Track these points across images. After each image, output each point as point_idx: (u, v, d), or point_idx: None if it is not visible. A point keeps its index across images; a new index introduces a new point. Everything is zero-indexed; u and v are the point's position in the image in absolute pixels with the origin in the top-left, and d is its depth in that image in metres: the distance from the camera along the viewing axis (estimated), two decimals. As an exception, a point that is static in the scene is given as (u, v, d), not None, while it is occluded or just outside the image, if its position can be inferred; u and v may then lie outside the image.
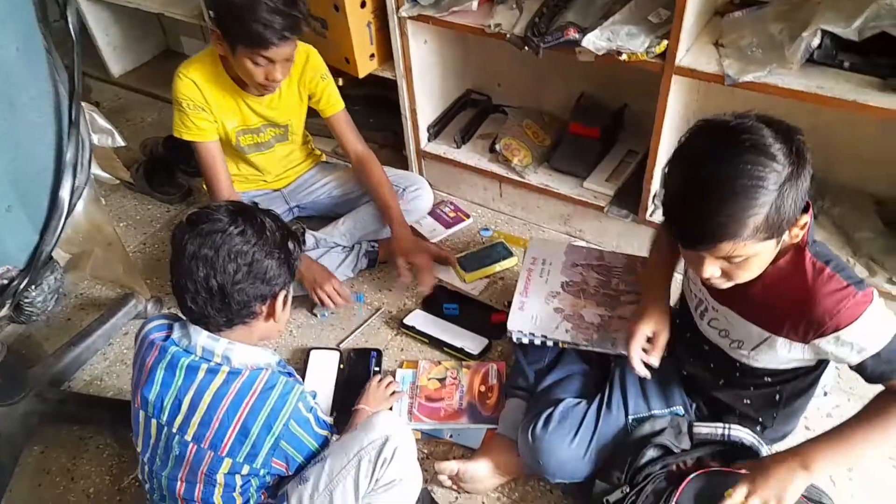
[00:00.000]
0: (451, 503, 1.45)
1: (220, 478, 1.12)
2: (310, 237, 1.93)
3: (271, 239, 1.10)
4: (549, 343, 1.49)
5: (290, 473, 1.18)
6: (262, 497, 1.20)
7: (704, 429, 1.30)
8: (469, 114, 2.23)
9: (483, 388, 1.61)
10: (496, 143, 2.05)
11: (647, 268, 1.43)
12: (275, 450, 1.13)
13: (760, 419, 1.31)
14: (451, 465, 1.43)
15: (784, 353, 1.15)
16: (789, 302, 1.09)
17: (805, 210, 1.03)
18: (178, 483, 1.14)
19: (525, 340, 1.51)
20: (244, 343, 1.13)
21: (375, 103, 2.33)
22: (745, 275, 1.05)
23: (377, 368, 1.70)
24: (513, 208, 2.12)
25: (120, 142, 1.32)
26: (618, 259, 1.63)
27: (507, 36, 1.71)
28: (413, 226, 2.07)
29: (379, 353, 1.73)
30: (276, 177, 1.99)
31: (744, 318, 1.17)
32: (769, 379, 1.23)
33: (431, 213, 2.12)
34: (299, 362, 1.74)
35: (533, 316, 1.52)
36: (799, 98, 1.43)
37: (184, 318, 1.13)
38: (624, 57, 1.56)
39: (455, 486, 1.46)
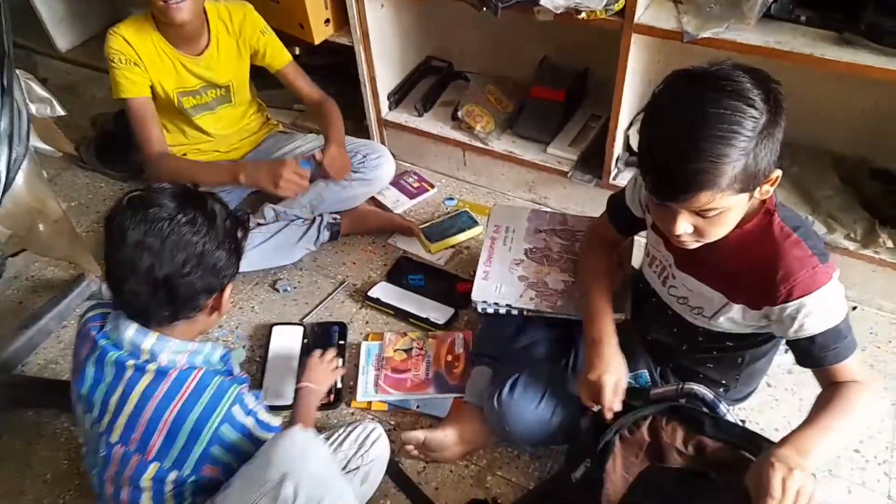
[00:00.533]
0: (419, 472, 1.44)
1: (146, 482, 1.04)
2: (269, 210, 1.89)
3: (221, 228, 1.04)
4: (514, 312, 1.48)
5: (223, 479, 1.07)
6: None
7: (659, 389, 1.29)
8: (430, 81, 2.19)
9: (450, 358, 1.60)
10: (458, 111, 2.01)
11: (587, 304, 1.29)
12: (206, 456, 1.04)
13: (723, 381, 1.31)
14: (418, 435, 1.42)
15: (740, 320, 1.14)
16: (752, 267, 1.08)
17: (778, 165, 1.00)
18: (107, 484, 1.07)
19: (490, 310, 1.49)
20: (180, 339, 1.05)
21: (333, 73, 2.27)
22: (718, 231, 1.02)
23: (342, 342, 1.67)
24: (477, 177, 2.10)
25: (60, 111, 1.25)
26: (581, 222, 1.62)
27: (465, -3, 1.67)
28: (376, 197, 2.04)
29: (343, 326, 1.70)
30: (229, 146, 1.93)
31: (704, 284, 1.16)
32: (731, 343, 1.23)
33: (395, 184, 2.09)
34: (262, 338, 1.71)
35: (497, 285, 1.50)
36: (757, 53, 1.42)
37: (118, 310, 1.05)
38: (583, 15, 1.54)
39: (422, 456, 1.44)
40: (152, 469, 1.03)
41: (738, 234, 1.06)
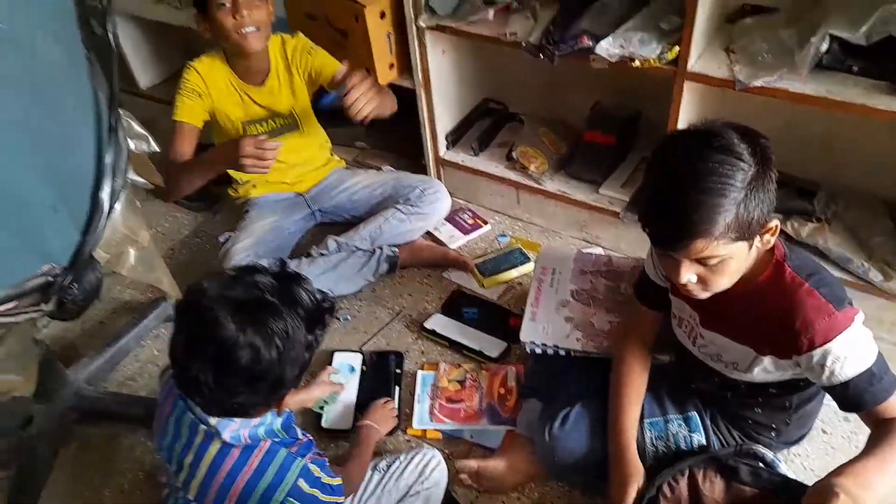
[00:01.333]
0: (472, 502, 1.49)
1: None
2: (332, 241, 1.99)
3: (286, 348, 0.95)
4: (562, 352, 1.53)
5: None
6: None
7: (721, 452, 1.30)
8: (486, 122, 2.28)
9: (502, 391, 1.65)
10: (513, 151, 2.10)
11: (615, 412, 1.32)
12: None
13: (773, 424, 1.33)
14: (471, 464, 1.47)
15: (773, 370, 1.17)
16: (771, 318, 1.11)
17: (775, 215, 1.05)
18: None
19: (538, 351, 1.55)
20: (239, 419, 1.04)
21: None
22: (722, 281, 1.07)
23: (398, 370, 1.74)
24: (530, 215, 2.17)
25: (155, 147, 1.38)
26: (626, 263, 1.67)
27: (523, 44, 1.76)
28: (432, 232, 2.13)
29: (400, 355, 1.78)
30: (295, 178, 2.05)
31: (731, 340, 1.20)
32: (774, 390, 1.24)
33: (450, 220, 2.17)
34: (323, 365, 1.79)
35: (544, 326, 1.56)
36: (808, 102, 1.46)
37: None
38: (637, 63, 1.61)
39: (475, 485, 1.49)
40: None
41: (752, 286, 1.11)
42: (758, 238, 1.05)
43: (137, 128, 1.37)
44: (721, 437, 1.37)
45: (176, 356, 0.98)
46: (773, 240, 1.08)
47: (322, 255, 1.97)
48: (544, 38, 1.74)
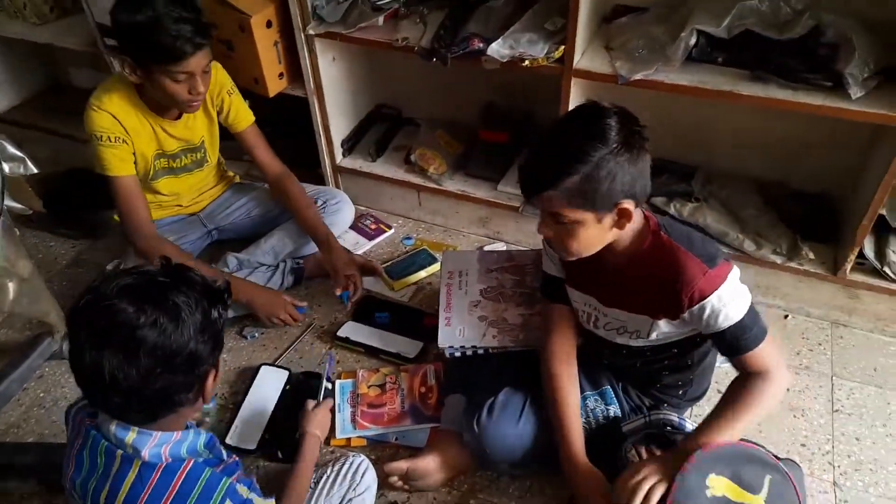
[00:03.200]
0: (403, 503, 1.48)
1: None
2: (232, 259, 1.92)
3: (191, 320, 0.94)
4: (480, 351, 1.56)
5: None
6: None
7: (630, 425, 1.41)
8: (381, 128, 2.29)
9: (423, 389, 1.66)
10: (411, 154, 2.12)
11: (559, 419, 1.36)
12: None
13: (680, 383, 1.43)
14: (401, 465, 1.46)
15: (669, 330, 1.27)
16: (657, 284, 1.21)
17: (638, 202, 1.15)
18: None
19: (458, 354, 1.57)
20: (165, 431, 0.99)
21: (283, 125, 2.34)
22: (574, 245, 1.18)
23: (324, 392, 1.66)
24: (432, 216, 2.19)
25: (33, 169, 1.27)
26: (527, 256, 1.73)
27: (416, 49, 1.79)
28: (336, 240, 2.10)
29: (332, 384, 1.69)
30: (190, 200, 1.96)
31: (630, 313, 1.30)
32: (676, 350, 1.35)
33: (353, 227, 2.15)
34: (237, 384, 1.72)
35: (460, 329, 1.59)
36: (683, 92, 1.59)
37: None
38: (526, 63, 1.68)
39: (406, 486, 1.48)
40: None
41: (636, 258, 1.23)
42: (609, 216, 1.14)
43: (12, 150, 1.26)
44: (633, 404, 1.45)
45: (81, 364, 0.91)
46: (631, 226, 1.18)
47: (222, 272, 1.89)
48: (436, 42, 1.77)
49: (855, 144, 1.73)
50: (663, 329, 1.27)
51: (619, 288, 1.29)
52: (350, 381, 1.70)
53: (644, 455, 1.30)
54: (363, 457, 1.41)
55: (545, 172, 1.11)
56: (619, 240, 1.22)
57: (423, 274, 1.99)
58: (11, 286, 1.29)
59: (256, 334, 1.85)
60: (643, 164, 1.12)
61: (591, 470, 1.32)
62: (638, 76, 1.61)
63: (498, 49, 1.69)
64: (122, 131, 1.65)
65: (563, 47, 1.65)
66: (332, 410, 1.59)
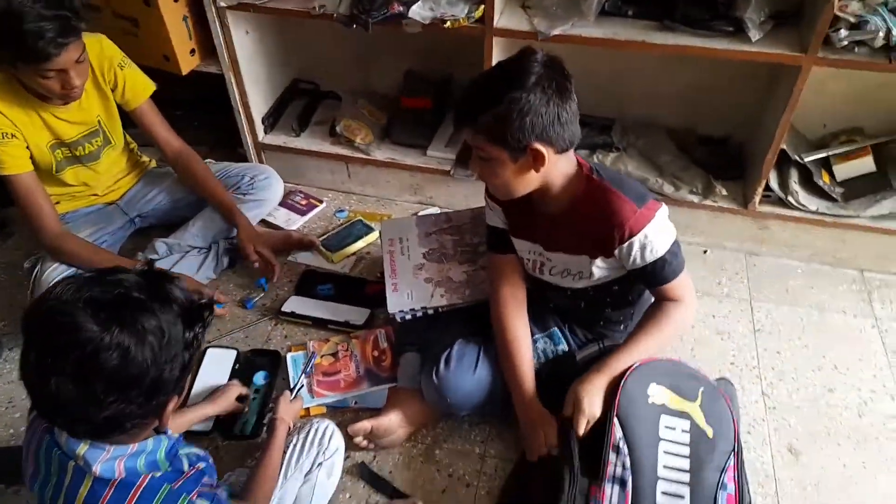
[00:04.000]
0: (370, 462, 1.49)
1: None
2: (161, 245, 1.84)
3: (161, 346, 0.85)
4: (430, 311, 1.59)
5: None
6: None
7: (584, 352, 1.48)
8: (300, 103, 2.25)
9: (376, 353, 1.67)
10: (336, 126, 2.10)
11: (511, 368, 1.41)
12: None
13: (621, 319, 1.52)
14: (364, 424, 1.47)
15: (606, 267, 1.35)
16: (591, 224, 1.29)
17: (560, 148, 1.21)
18: None
19: (409, 317, 1.60)
20: (118, 445, 0.90)
21: (198, 104, 2.27)
22: (495, 182, 1.27)
23: (263, 383, 1.64)
24: (363, 187, 2.19)
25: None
26: (464, 216, 1.77)
27: (335, 15, 1.77)
28: (266, 219, 2.06)
29: (277, 357, 1.68)
30: (106, 189, 1.86)
31: (570, 255, 1.37)
32: (617, 287, 1.43)
33: (283, 204, 2.12)
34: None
35: (408, 293, 1.61)
36: (599, 44, 1.67)
37: None
38: (448, 24, 1.70)
39: (371, 446, 1.50)
40: None
41: (572, 202, 1.30)
42: (524, 158, 1.19)
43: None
44: (579, 341, 1.53)
45: (29, 376, 0.84)
46: (557, 169, 1.24)
47: (152, 260, 1.81)
48: (355, 8, 1.76)
49: (754, 87, 1.87)
50: (601, 267, 1.35)
51: (559, 232, 1.35)
52: (301, 353, 1.68)
53: None
54: (328, 421, 1.41)
55: (466, 109, 1.21)
56: (551, 184, 1.28)
57: (360, 244, 1.99)
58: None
59: (195, 319, 1.80)
60: (561, 111, 1.16)
61: (543, 412, 1.36)
62: (556, 31, 1.67)
63: (419, 11, 1.70)
64: (9, 125, 1.53)
65: (482, 7, 1.69)
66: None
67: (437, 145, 2.08)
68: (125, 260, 1.74)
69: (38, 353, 0.83)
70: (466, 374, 1.44)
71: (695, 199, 1.88)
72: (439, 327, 1.57)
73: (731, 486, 1.21)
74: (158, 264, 1.79)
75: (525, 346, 1.43)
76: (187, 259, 1.85)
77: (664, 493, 1.19)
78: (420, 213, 2.06)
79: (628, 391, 1.25)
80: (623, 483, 1.20)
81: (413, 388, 1.53)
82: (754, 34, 1.57)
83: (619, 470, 1.21)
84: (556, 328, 1.52)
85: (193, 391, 1.59)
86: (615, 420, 1.22)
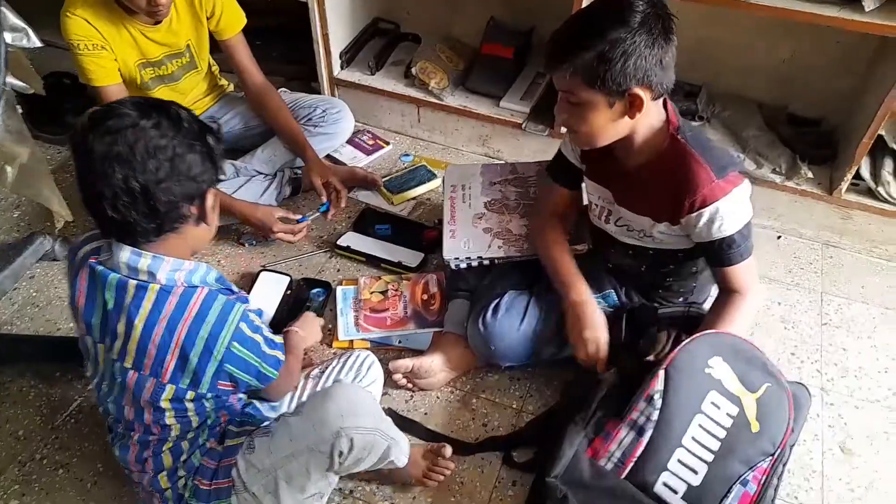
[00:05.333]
0: (407, 401, 1.50)
1: (165, 404, 1.05)
2: (229, 166, 1.87)
3: (189, 130, 0.99)
4: (486, 262, 1.56)
5: (241, 391, 1.14)
6: (222, 419, 1.15)
7: (667, 310, 1.42)
8: (379, 42, 2.23)
9: (425, 297, 1.66)
10: (412, 67, 2.07)
11: (558, 271, 1.40)
12: (219, 373, 1.04)
13: (682, 290, 1.46)
14: (406, 362, 1.47)
15: (670, 233, 1.29)
16: (666, 187, 1.22)
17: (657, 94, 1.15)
18: (126, 409, 1.08)
19: (463, 265, 1.57)
20: (175, 257, 1.02)
21: (278, 35, 2.27)
22: (583, 128, 1.19)
23: (321, 300, 1.67)
24: (431, 133, 2.16)
25: (36, 42, 1.20)
26: (530, 168, 1.72)
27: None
28: (333, 155, 2.07)
29: (328, 288, 1.70)
30: None
31: (637, 214, 1.31)
32: (682, 255, 1.37)
33: (350, 142, 2.12)
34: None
35: (465, 241, 1.58)
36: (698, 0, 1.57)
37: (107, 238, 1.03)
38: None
39: (410, 385, 1.50)
40: (169, 391, 1.04)
41: (652, 158, 1.23)
42: (620, 103, 1.14)
43: (14, 18, 1.18)
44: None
45: (89, 169, 0.95)
46: (646, 119, 1.18)
47: (220, 180, 1.84)
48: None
49: (855, 70, 1.74)
50: (664, 233, 1.29)
51: (629, 187, 1.30)
52: (352, 287, 1.70)
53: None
54: (369, 352, 1.42)
55: (562, 48, 1.11)
56: (636, 134, 1.22)
57: (422, 189, 1.98)
58: (9, 170, 1.24)
59: (254, 242, 1.83)
60: (663, 54, 1.10)
61: (601, 316, 1.34)
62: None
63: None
64: (99, 38, 1.57)
65: (574, -48, 1.62)
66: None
67: (511, 97, 2.02)
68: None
69: (96, 143, 0.93)
70: (513, 324, 1.42)
71: (777, 178, 1.78)
72: (492, 277, 1.55)
73: (752, 486, 1.15)
74: (223, 186, 1.82)
75: (566, 245, 1.43)
76: (252, 183, 1.87)
77: (680, 461, 1.15)
78: (486, 163, 2.03)
79: (690, 352, 1.20)
80: (641, 431, 1.17)
81: (458, 335, 1.52)
82: (868, 4, 1.45)
83: (641, 419, 1.17)
84: (612, 290, 1.48)
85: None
86: (660, 373, 1.18)
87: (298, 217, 1.82)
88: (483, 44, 2.06)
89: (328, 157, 2.05)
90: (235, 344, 1.04)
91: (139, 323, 1.00)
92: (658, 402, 1.17)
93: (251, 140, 1.97)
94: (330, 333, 1.61)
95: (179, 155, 0.96)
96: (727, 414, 1.18)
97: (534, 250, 1.53)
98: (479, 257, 1.57)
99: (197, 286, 1.03)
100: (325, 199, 1.83)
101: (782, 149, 1.81)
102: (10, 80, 1.16)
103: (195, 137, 0.99)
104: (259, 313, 1.13)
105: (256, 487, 1.10)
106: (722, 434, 1.17)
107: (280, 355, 1.14)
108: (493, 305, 1.44)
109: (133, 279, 1.00)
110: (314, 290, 1.69)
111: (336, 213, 1.85)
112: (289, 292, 1.68)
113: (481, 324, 1.42)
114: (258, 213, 1.75)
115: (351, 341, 1.59)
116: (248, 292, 1.66)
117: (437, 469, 1.33)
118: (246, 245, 1.83)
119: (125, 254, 0.99)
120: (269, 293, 1.67)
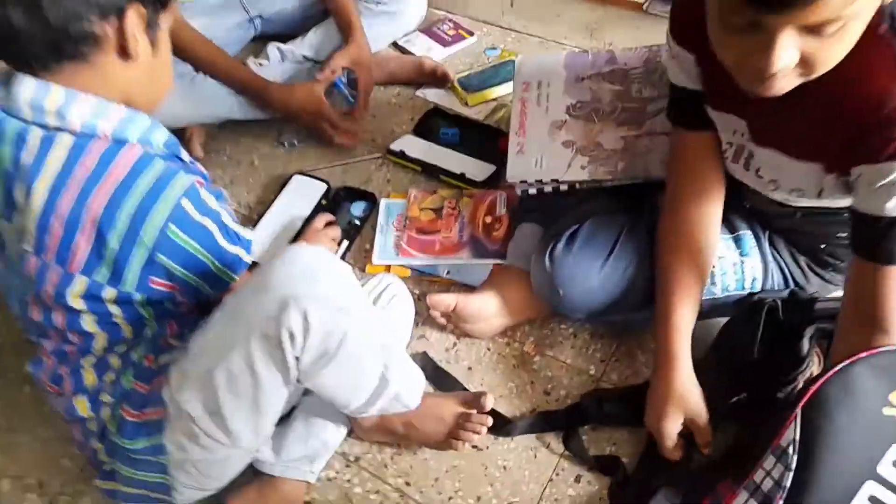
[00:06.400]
0: (447, 350, 1.16)
1: (75, 302, 0.77)
2: (274, 50, 1.58)
3: None
4: (564, 187, 1.14)
5: (184, 299, 0.83)
6: (169, 330, 0.87)
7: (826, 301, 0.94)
8: (470, -90, 1.81)
9: (489, 219, 1.29)
10: (505, -65, 1.64)
11: (663, 309, 0.95)
12: (151, 265, 0.76)
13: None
14: (448, 298, 1.12)
15: (840, 191, 0.82)
16: (844, 111, 0.74)
17: None
18: (31, 308, 0.81)
19: (532, 191, 1.16)
20: (95, 95, 0.74)
21: None
22: (837, 53, 0.68)
23: (360, 217, 1.35)
24: (527, 22, 1.73)
25: None
26: (635, 58, 1.23)
27: None
28: (402, 45, 1.70)
29: (374, 202, 1.38)
30: None
31: (791, 158, 0.83)
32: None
33: (426, 32, 1.74)
34: (263, 194, 1.42)
35: (537, 159, 1.16)
36: None
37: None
38: None
39: (452, 327, 1.15)
40: (79, 284, 0.76)
41: (828, 76, 0.70)
42: None
43: None
44: (784, 265, 1.02)
45: None
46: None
47: (261, 65, 1.55)
48: None
49: None
50: (832, 187, 0.82)
51: (782, 115, 0.80)
52: (400, 201, 1.35)
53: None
54: (396, 278, 1.09)
55: None
56: None
57: (504, 89, 1.57)
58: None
59: (296, 142, 1.53)
60: None
61: (683, 384, 0.91)
62: None
63: None
64: None
65: None
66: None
67: (631, -28, 1.54)
68: (232, 61, 1.48)
69: None
70: (593, 263, 1.02)
71: None
72: (575, 201, 1.14)
73: None
74: (265, 72, 1.51)
75: (694, 290, 0.95)
76: (300, 71, 1.56)
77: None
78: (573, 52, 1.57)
79: (847, 384, 0.74)
80: (767, 501, 0.75)
81: (524, 271, 1.13)
82: None
83: (767, 483, 0.75)
84: (748, 232, 1.02)
85: (269, 215, 1.35)
86: (797, 411, 0.75)
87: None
88: None
89: (395, 46, 1.69)
90: (173, 226, 0.75)
91: (40, 187, 0.72)
92: (792, 457, 0.74)
93: (304, 24, 1.64)
94: (365, 257, 1.29)
95: None
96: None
97: (633, 177, 1.10)
98: (553, 181, 1.15)
99: (127, 141, 0.75)
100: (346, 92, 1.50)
101: None
102: None
103: None
104: (219, 195, 0.84)
105: (192, 406, 0.79)
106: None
107: (244, 255, 0.84)
108: (567, 235, 1.05)
109: (37, 125, 0.72)
110: (354, 203, 1.37)
111: (354, 124, 1.49)
112: (324, 202, 1.37)
113: (548, 258, 1.04)
114: (297, 95, 1.44)
115: (388, 266, 1.26)
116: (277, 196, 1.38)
117: (468, 426, 0.98)
118: (286, 145, 1.53)
119: (27, 89, 0.72)
120: (299, 202, 1.37)
